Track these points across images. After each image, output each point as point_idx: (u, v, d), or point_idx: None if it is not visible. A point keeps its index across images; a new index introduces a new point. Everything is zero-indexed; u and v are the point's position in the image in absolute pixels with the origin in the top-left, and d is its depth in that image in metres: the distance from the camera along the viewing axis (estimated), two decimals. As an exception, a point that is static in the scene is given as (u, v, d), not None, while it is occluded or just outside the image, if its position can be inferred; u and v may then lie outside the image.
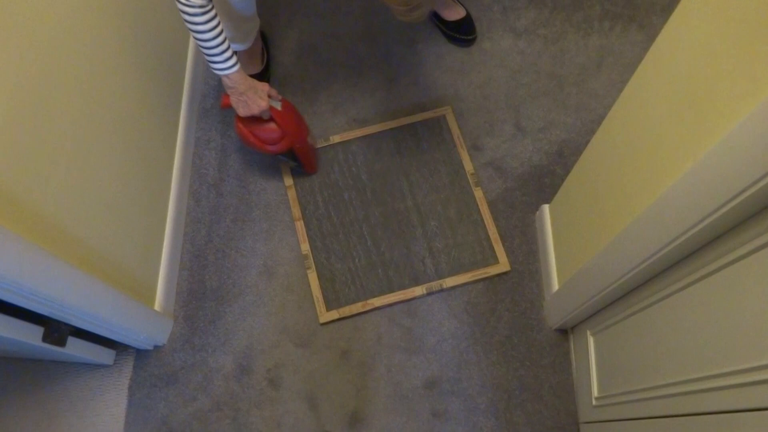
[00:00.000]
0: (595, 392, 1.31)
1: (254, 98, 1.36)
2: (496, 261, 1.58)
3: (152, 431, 1.42)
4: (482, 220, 1.62)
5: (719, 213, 0.77)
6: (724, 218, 0.78)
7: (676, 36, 0.86)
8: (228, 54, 1.25)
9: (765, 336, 0.73)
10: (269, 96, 1.40)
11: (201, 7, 1.15)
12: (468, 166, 1.69)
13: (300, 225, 1.62)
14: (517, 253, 1.60)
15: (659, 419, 0.99)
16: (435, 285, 1.55)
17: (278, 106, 1.43)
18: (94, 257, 1.19)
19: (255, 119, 1.43)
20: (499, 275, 1.57)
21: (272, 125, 1.45)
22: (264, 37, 1.83)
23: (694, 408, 0.89)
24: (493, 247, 1.59)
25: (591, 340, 1.35)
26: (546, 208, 1.56)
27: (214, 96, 1.80)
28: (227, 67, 1.26)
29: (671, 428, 0.95)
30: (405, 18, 1.15)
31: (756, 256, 0.75)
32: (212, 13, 1.18)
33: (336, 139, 1.73)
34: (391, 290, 1.55)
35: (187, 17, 1.17)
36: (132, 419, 1.43)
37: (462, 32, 1.85)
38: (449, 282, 1.55)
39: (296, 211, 1.64)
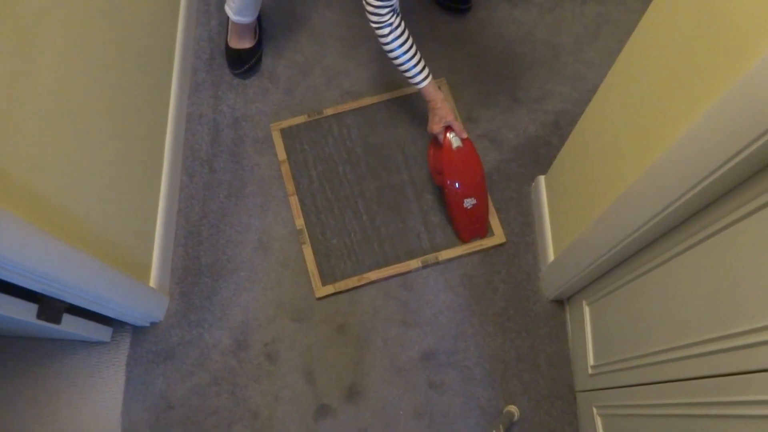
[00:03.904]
0: (591, 361, 1.31)
1: (432, 118, 1.42)
2: (491, 233, 1.57)
3: (151, 406, 1.43)
4: (478, 192, 1.61)
5: (712, 177, 0.76)
6: (716, 183, 0.77)
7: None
8: (417, 69, 1.34)
9: (755, 300, 0.73)
10: (451, 128, 1.42)
11: (390, 25, 1.27)
12: (463, 138, 1.67)
13: (294, 200, 1.61)
14: (512, 225, 1.59)
15: (654, 385, 0.99)
16: (430, 258, 1.55)
17: (454, 143, 1.42)
18: (86, 234, 1.18)
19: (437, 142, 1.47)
20: (494, 247, 1.57)
21: (439, 155, 1.47)
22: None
23: (688, 373, 0.89)
24: (488, 220, 1.58)
25: (587, 310, 1.35)
26: (542, 179, 1.55)
27: (205, 70, 1.77)
28: (417, 81, 1.36)
29: (666, 394, 0.95)
30: None
31: (746, 222, 0.75)
32: (399, 31, 1.28)
33: (329, 111, 1.71)
34: (386, 264, 1.55)
35: (379, 38, 1.30)
36: (131, 395, 1.44)
37: (457, 1, 1.81)
38: (445, 255, 1.55)
39: (290, 186, 1.63)
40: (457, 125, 1.41)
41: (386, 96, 1.72)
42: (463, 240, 1.56)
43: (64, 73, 1.12)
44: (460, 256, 1.56)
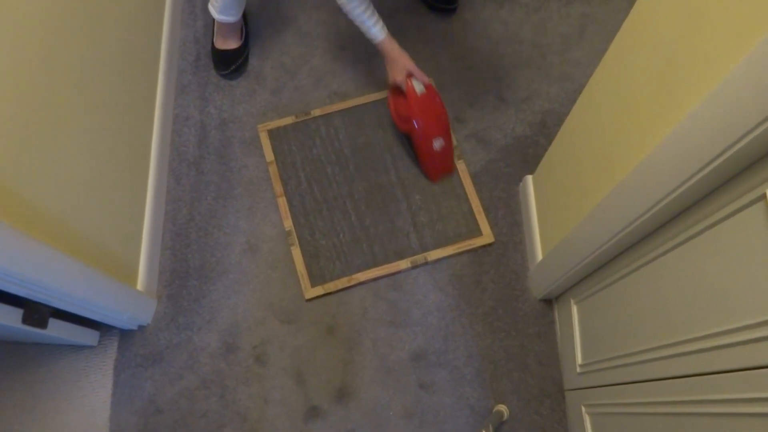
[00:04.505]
0: (579, 359, 1.32)
1: (393, 69, 1.47)
2: (480, 233, 1.58)
3: (139, 410, 1.42)
4: (465, 192, 1.62)
5: (698, 176, 0.77)
6: (701, 182, 0.78)
7: (655, -2, 0.85)
8: (372, 21, 1.38)
9: (739, 299, 0.73)
10: (411, 75, 1.46)
11: None
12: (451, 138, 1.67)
13: (282, 201, 1.61)
14: (501, 225, 1.60)
15: (642, 383, 1.00)
16: (419, 258, 1.55)
17: (418, 89, 1.45)
18: (71, 237, 1.17)
19: (399, 91, 1.52)
20: (483, 247, 1.57)
21: (403, 103, 1.51)
22: (243, 11, 1.79)
23: (674, 371, 0.90)
24: (476, 220, 1.59)
25: (575, 309, 1.35)
26: (529, 179, 1.56)
27: (191, 71, 1.76)
28: (373, 34, 1.40)
29: (654, 392, 0.96)
30: None
31: (729, 221, 0.76)
32: None
33: (317, 112, 1.70)
34: (375, 265, 1.55)
35: None
36: (118, 399, 1.43)
37: (443, 2, 1.82)
38: (434, 255, 1.55)
39: (278, 188, 1.62)
40: (418, 72, 1.45)
41: (374, 96, 1.72)
42: (433, 180, 1.62)
43: (48, 74, 1.11)
44: (449, 256, 1.56)
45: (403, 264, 1.54)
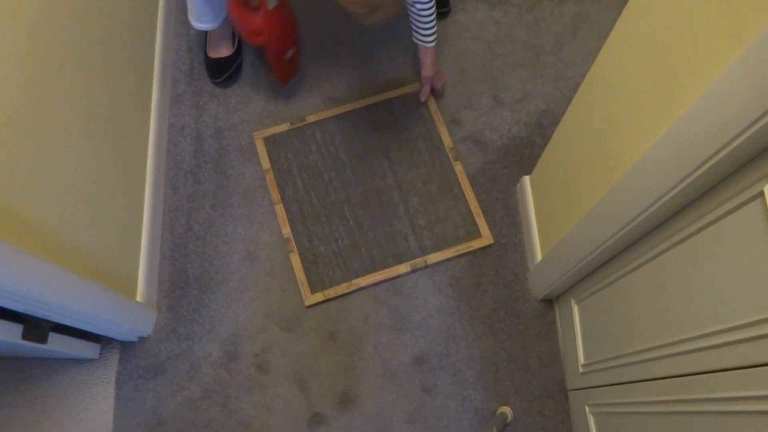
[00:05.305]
0: (581, 359, 1.32)
1: None
2: (479, 235, 1.58)
3: (142, 422, 1.41)
4: (463, 194, 1.62)
5: (696, 174, 0.77)
6: (699, 179, 0.78)
7: (647, -2, 0.85)
8: None
9: (741, 297, 0.73)
10: None
11: None
12: (447, 140, 1.67)
13: (280, 208, 1.60)
14: (499, 226, 1.60)
15: (645, 382, 1.00)
16: (419, 262, 1.55)
17: (271, 4, 1.42)
18: (69, 250, 1.16)
19: (247, 5, 1.45)
20: (482, 249, 1.57)
21: (255, 17, 1.45)
22: (234, 19, 1.79)
23: (676, 370, 0.89)
24: (475, 221, 1.59)
25: (575, 309, 1.35)
26: (527, 179, 1.56)
27: (185, 81, 1.76)
28: None
29: (657, 391, 0.96)
30: (365, 22, 1.18)
31: (728, 219, 0.76)
32: None
33: (312, 119, 1.70)
34: (375, 269, 1.54)
35: None
36: (121, 412, 1.42)
37: (436, 5, 1.81)
38: (433, 258, 1.55)
39: (275, 195, 1.62)
40: None
41: (368, 101, 1.72)
42: (283, 83, 1.71)
43: (41, 86, 1.11)
44: (449, 259, 1.56)
45: (403, 268, 1.54)
